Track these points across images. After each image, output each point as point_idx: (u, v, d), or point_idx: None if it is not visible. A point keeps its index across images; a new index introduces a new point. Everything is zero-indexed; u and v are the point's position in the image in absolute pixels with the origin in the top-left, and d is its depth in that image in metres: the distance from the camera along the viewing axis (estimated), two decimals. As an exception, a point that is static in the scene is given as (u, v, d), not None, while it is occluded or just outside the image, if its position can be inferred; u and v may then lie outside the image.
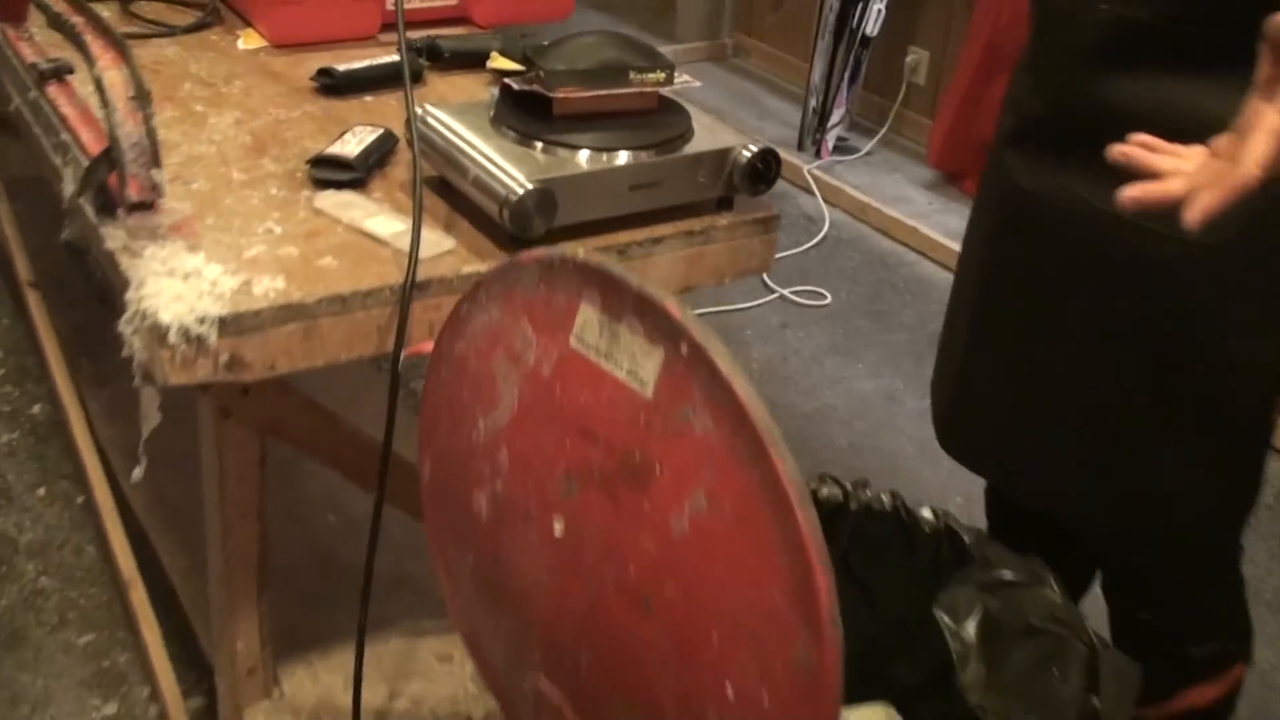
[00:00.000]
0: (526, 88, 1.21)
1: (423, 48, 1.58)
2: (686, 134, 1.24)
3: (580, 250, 0.71)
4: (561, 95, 1.20)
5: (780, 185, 3.70)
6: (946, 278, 3.17)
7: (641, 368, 0.66)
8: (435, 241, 1.16)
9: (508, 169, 1.15)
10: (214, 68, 1.54)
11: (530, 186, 1.12)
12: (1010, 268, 1.25)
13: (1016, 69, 1.24)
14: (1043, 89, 1.17)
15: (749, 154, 1.24)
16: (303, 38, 1.63)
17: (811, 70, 3.76)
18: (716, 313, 2.91)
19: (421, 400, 0.92)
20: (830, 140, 3.77)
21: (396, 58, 1.54)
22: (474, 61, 1.59)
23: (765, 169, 1.25)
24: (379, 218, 1.20)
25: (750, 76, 4.39)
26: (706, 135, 1.26)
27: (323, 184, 1.26)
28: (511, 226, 1.13)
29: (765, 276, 3.06)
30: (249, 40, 1.63)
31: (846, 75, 3.72)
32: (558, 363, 0.71)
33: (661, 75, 1.24)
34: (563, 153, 1.18)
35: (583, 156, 1.18)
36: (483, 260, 1.15)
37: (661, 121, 1.25)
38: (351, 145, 1.29)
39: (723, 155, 1.24)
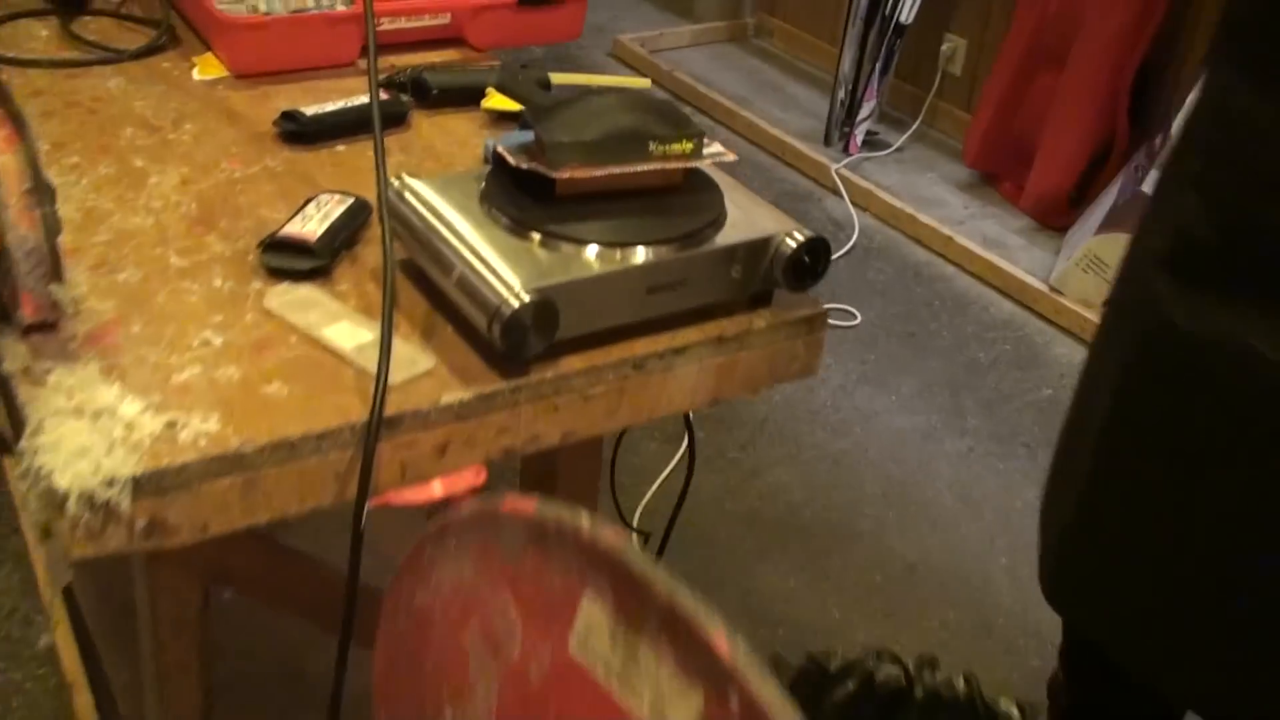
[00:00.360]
0: (524, 165, 1.00)
1: (406, 82, 1.37)
2: (718, 220, 1.03)
3: (586, 521, 0.51)
4: (567, 175, 0.99)
5: (805, 185, 3.49)
6: (984, 294, 2.96)
7: (671, 710, 0.46)
8: (409, 359, 0.96)
9: (499, 270, 0.94)
10: (162, 106, 1.33)
11: (527, 299, 0.91)
12: (1151, 411, 1.04)
13: (1173, 179, 1.03)
14: (1215, 214, 0.96)
15: (793, 244, 1.03)
16: (268, 66, 1.41)
17: (840, 59, 3.52)
18: (737, 334, 2.69)
19: (376, 641, 0.72)
20: (859, 134, 3.55)
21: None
22: (467, 99, 1.38)
23: (813, 261, 1.04)
24: (342, 324, 0.99)
25: (773, 60, 4.15)
26: (742, 219, 1.05)
27: (278, 273, 1.05)
28: (502, 345, 0.92)
29: (790, 292, 2.84)
30: (206, 69, 1.41)
31: (878, 65, 3.49)
32: (552, 669, 0.51)
33: (688, 146, 1.03)
34: (567, 248, 0.97)
35: (591, 253, 0.97)
36: (466, 386, 0.94)
37: (687, 204, 1.04)
38: (314, 222, 1.08)
39: (761, 246, 1.03)
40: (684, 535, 2.11)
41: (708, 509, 2.19)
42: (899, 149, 3.57)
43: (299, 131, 1.27)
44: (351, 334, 0.98)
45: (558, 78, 1.42)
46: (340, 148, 1.28)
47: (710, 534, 2.14)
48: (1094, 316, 2.77)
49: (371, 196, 1.14)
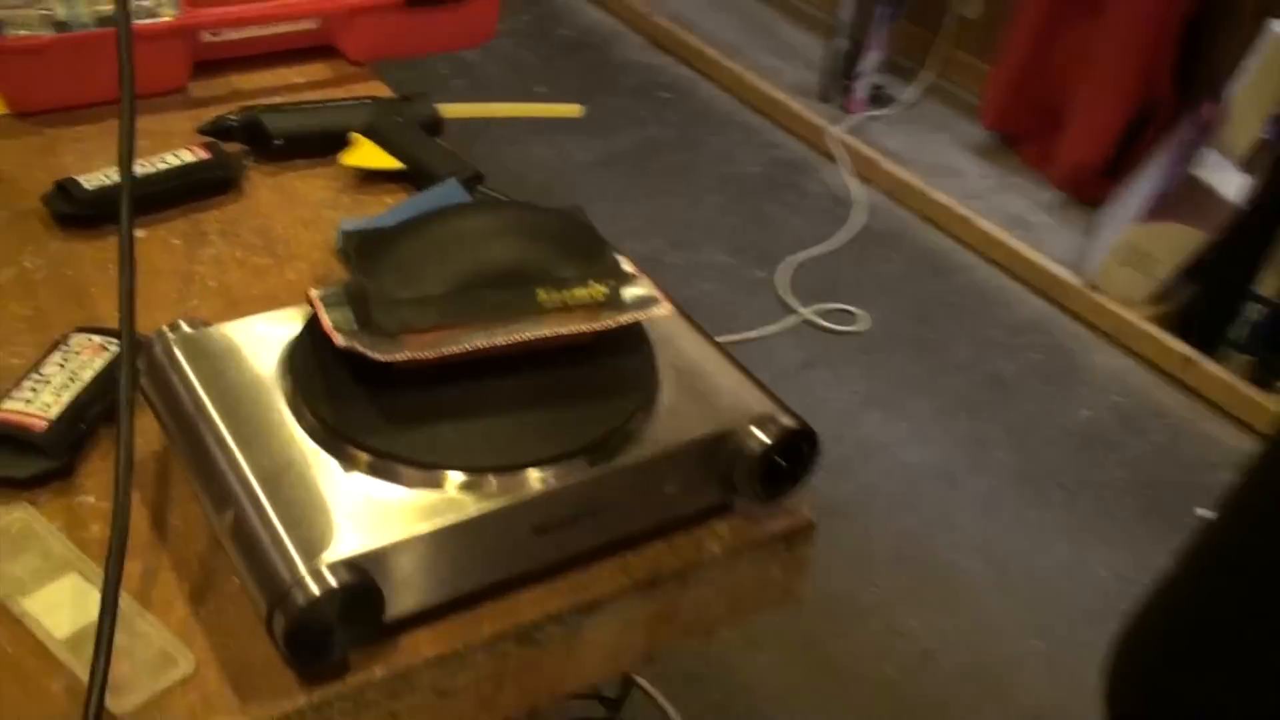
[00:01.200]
0: (342, 341, 0.66)
1: (237, 127, 1.02)
2: (648, 403, 0.69)
3: None
4: (404, 356, 0.65)
5: (800, 153, 3.13)
6: (1008, 288, 2.61)
7: None
8: (157, 657, 0.63)
9: (296, 521, 0.60)
10: (-101, 167, 0.99)
11: (332, 581, 0.58)
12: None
13: None
14: None
15: (763, 443, 0.69)
16: (61, 100, 1.07)
17: (840, 1, 3.14)
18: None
19: None
20: (861, 90, 3.17)
21: (195, 151, 0.98)
22: (325, 147, 1.03)
23: (793, 463, 0.70)
24: (63, 580, 0.66)
25: (767, -1, 3.75)
26: (683, 400, 0.71)
27: (-13, 481, 0.71)
28: (288, 652, 0.59)
29: (782, 291, 2.50)
30: (-26, 106, 1.06)
31: (884, 9, 3.11)
32: None
33: (599, 291, 0.69)
34: (409, 475, 0.63)
35: (452, 483, 0.63)
36: (244, 703, 0.61)
37: (599, 381, 0.70)
38: (50, 390, 0.74)
39: (713, 447, 0.69)
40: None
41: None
42: (908, 105, 3.20)
43: (73, 215, 0.92)
44: (74, 604, 0.65)
45: (452, 110, 1.08)
46: (140, 233, 0.94)
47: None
48: (1136, 320, 2.43)
49: (161, 323, 0.80)
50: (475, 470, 0.63)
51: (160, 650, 0.62)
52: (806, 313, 2.44)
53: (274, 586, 0.59)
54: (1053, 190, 2.90)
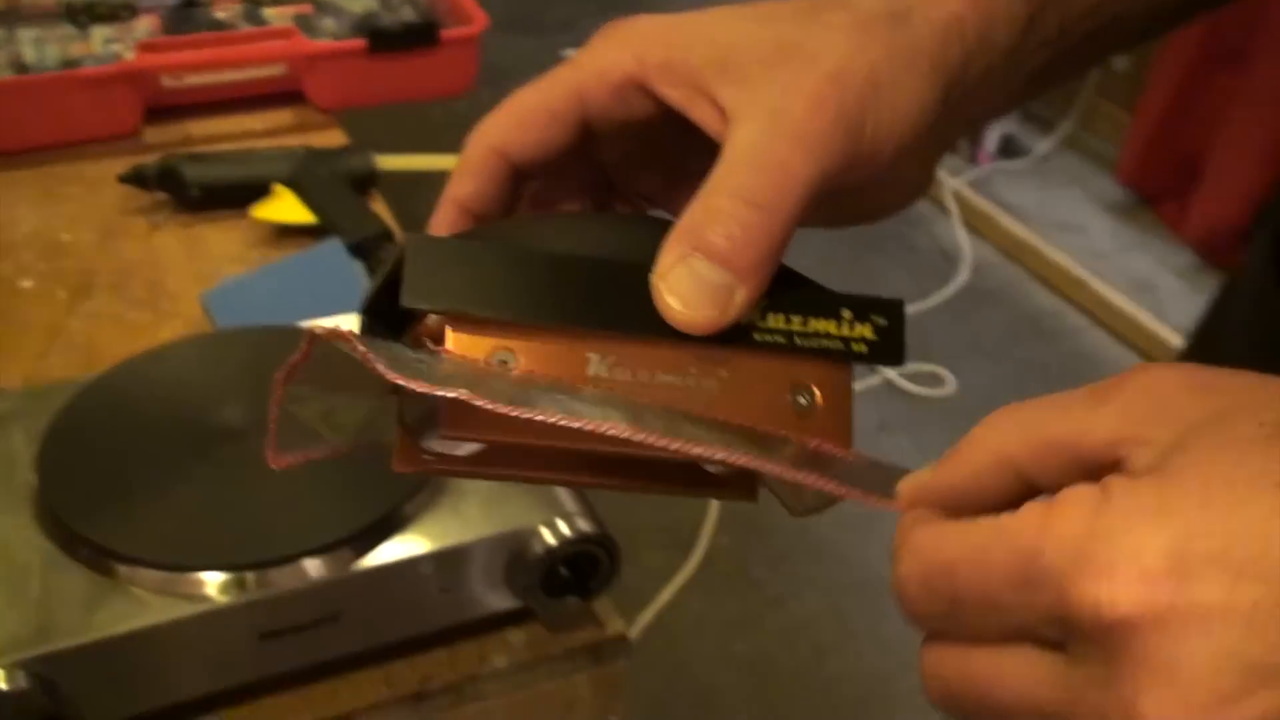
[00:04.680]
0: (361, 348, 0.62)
1: (154, 174, 1.00)
2: (409, 497, 0.64)
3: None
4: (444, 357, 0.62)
5: (916, 205, 3.00)
6: (1119, 357, 2.47)
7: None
8: None
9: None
10: None
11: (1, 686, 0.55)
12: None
13: None
14: None
15: (552, 542, 0.63)
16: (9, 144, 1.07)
17: (969, 49, 3.02)
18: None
19: None
20: (990, 143, 3.05)
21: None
22: (247, 198, 1.00)
23: (575, 573, 0.64)
24: None
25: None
26: (480, 484, 0.65)
27: None
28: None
29: (871, 349, 2.40)
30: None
31: (1015, 57, 2.98)
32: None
33: (865, 331, 0.38)
34: (122, 571, 0.59)
35: (176, 580, 0.59)
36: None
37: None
38: None
39: (499, 546, 0.63)
40: (675, 686, 1.73)
41: (709, 650, 1.80)
42: (1042, 158, 3.07)
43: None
44: None
45: (390, 162, 1.04)
46: (26, 283, 0.93)
47: (707, 687, 1.75)
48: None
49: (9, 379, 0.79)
50: (170, 568, 0.59)
51: None
52: (890, 373, 2.34)
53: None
54: (1187, 253, 2.73)
